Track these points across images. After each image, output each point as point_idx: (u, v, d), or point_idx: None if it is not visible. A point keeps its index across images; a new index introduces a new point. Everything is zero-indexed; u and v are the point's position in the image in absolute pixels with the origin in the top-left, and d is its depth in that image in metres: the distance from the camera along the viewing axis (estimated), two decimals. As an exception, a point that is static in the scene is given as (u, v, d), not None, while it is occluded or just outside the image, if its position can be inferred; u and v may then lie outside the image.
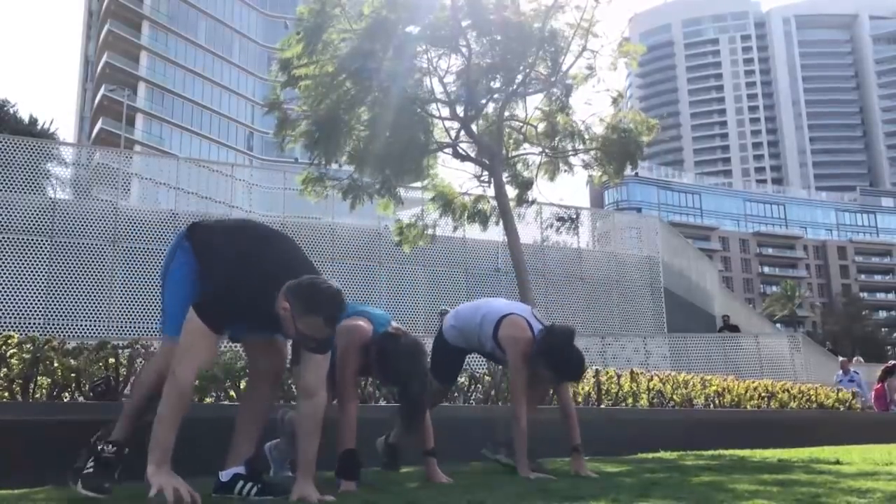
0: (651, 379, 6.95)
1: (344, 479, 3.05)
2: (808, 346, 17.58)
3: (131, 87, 55.39)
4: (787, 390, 8.76)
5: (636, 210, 78.58)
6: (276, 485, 2.86)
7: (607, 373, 6.56)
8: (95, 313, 14.16)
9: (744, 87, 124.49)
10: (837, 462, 4.72)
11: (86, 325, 13.79)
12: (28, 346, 3.60)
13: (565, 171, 11.15)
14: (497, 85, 10.29)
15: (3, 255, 13.79)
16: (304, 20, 9.44)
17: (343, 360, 3.18)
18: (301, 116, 9.98)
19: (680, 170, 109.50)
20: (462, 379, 5.21)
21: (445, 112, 10.48)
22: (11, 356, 3.55)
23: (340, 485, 3.02)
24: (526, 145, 11.32)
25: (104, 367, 3.74)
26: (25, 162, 14.46)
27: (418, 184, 11.69)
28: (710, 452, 5.66)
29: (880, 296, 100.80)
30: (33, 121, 31.76)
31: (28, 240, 14.02)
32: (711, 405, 7.47)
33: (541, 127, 10.98)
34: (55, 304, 13.89)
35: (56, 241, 14.29)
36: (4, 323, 12.75)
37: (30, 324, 13.04)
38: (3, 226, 13.90)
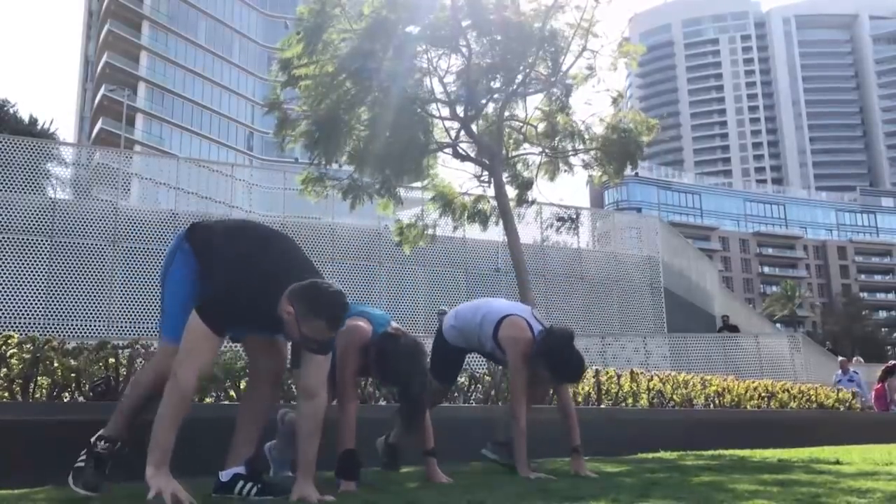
0: (651, 379, 6.95)
1: (344, 479, 3.05)
2: (808, 346, 17.58)
3: (131, 87, 55.41)
4: (787, 390, 8.76)
5: (636, 210, 78.57)
6: (276, 485, 2.86)
7: (607, 373, 6.56)
8: (95, 313, 14.17)
9: (744, 87, 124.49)
10: (837, 462, 4.72)
11: (86, 325, 13.79)
12: (28, 346, 3.60)
13: (565, 171, 11.14)
14: (497, 85, 10.28)
15: (3, 255, 13.79)
16: (304, 20, 9.43)
17: (343, 361, 3.18)
18: (301, 116, 9.96)
19: (680, 170, 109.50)
20: (462, 379, 5.21)
21: (445, 112, 10.47)
22: (11, 356, 3.55)
23: (340, 485, 3.02)
24: (526, 145, 11.30)
25: (104, 367, 3.74)
26: (25, 162, 14.47)
27: (418, 184, 11.68)
28: (711, 452, 5.65)
29: (880, 296, 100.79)
30: (33, 121, 31.77)
31: (28, 240, 14.03)
32: (711, 405, 7.47)
33: (541, 127, 10.96)
34: (55, 304, 13.89)
35: (56, 241, 14.29)
36: (4, 323, 12.75)
37: (30, 324, 13.04)
38: (3, 226, 13.90)
